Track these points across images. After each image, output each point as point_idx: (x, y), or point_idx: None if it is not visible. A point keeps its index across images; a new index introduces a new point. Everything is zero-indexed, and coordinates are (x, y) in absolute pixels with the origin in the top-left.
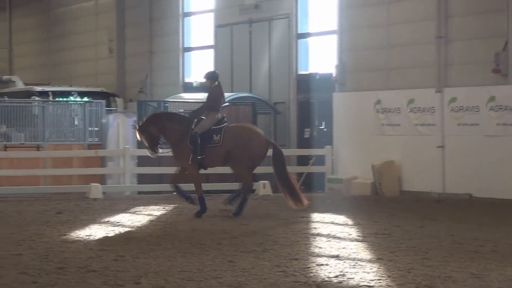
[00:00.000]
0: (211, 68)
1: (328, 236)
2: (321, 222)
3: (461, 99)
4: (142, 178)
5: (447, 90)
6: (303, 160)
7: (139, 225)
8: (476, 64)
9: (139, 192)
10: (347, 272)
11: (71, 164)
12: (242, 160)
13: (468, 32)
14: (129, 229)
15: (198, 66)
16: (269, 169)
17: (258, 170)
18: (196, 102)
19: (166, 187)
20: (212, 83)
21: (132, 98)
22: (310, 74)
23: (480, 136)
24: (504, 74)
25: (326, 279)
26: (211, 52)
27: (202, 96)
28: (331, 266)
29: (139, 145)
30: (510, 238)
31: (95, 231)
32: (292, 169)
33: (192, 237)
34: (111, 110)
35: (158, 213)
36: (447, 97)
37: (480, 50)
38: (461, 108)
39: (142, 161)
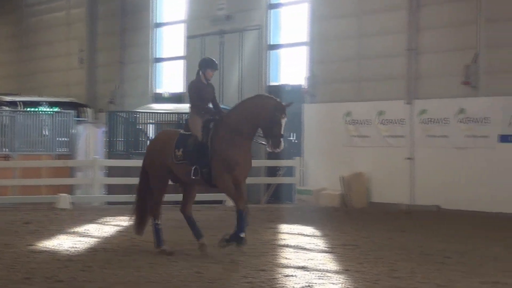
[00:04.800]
0: (180, 79)
1: (295, 247)
2: (289, 233)
3: (431, 111)
4: (111, 189)
5: (417, 102)
6: (272, 171)
7: (107, 236)
8: (446, 76)
9: (108, 203)
10: (314, 283)
11: (40, 174)
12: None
13: (438, 44)
14: (97, 239)
15: (169, 77)
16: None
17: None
18: (167, 112)
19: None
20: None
21: (102, 108)
22: (280, 85)
23: (449, 148)
24: (473, 87)
25: None
26: (182, 63)
27: (173, 106)
28: (298, 277)
29: (110, 155)
30: (477, 249)
31: (63, 242)
32: (262, 180)
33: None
34: (80, 120)
35: (126, 223)
36: (417, 109)
37: (450, 63)
38: (431, 120)
39: (111, 172)
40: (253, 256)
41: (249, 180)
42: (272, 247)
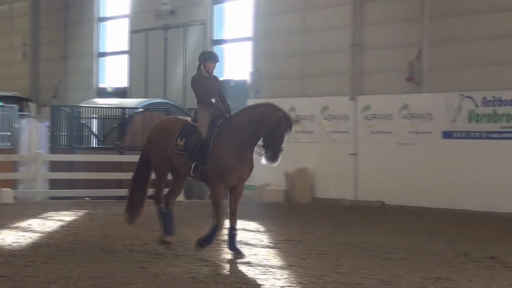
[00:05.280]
0: (124, 73)
1: (239, 242)
2: None
3: (375, 107)
4: (54, 184)
5: (361, 98)
6: None
7: (50, 231)
8: (390, 72)
9: (51, 198)
10: (257, 278)
11: None
12: None
13: (383, 40)
14: (40, 234)
15: (113, 71)
16: None
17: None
18: (110, 107)
19: (78, 192)
20: None
21: (45, 102)
22: (225, 80)
23: (392, 144)
24: (417, 83)
25: (237, 285)
26: (125, 58)
27: (116, 101)
28: (242, 273)
29: (53, 149)
30: (420, 245)
31: (5, 236)
32: None
33: (103, 243)
34: (23, 114)
35: (69, 218)
36: (361, 105)
37: (394, 59)
38: (375, 116)
39: (54, 166)
40: (197, 252)
41: None
42: (215, 242)
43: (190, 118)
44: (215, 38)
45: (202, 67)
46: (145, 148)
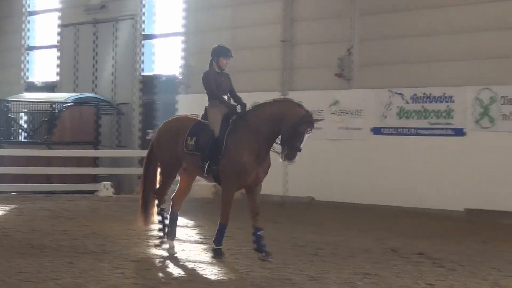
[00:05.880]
0: (54, 68)
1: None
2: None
3: (305, 103)
4: None
5: (291, 94)
6: None
7: None
8: (320, 68)
9: None
10: (187, 274)
11: None
12: None
13: (313, 36)
14: None
15: (42, 65)
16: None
17: (101, 171)
18: (39, 101)
19: (6, 187)
20: None
21: None
22: (154, 75)
23: (322, 139)
24: (347, 79)
25: (165, 281)
26: (55, 52)
27: (45, 95)
28: (171, 268)
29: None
30: (349, 241)
31: None
32: (135, 171)
33: (31, 238)
34: None
35: None
36: None
37: (325, 55)
38: None
39: None
40: (126, 247)
41: (123, 171)
42: (145, 238)
43: (200, 116)
44: (145, 33)
45: (214, 62)
46: (153, 147)
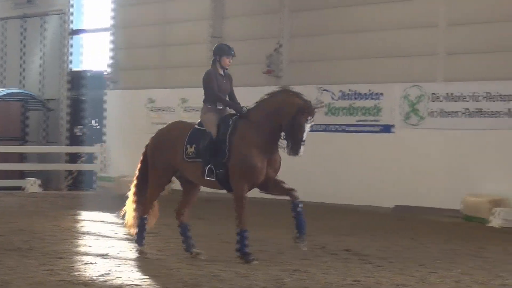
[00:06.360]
0: None
1: (96, 234)
2: (90, 221)
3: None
4: None
5: None
6: (73, 158)
7: None
8: (249, 65)
9: None
10: (114, 271)
11: None
12: None
13: (242, 33)
14: None
15: None
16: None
17: (28, 167)
18: None
19: None
20: None
21: None
22: (82, 71)
23: None
24: (276, 75)
25: (93, 278)
26: None
27: None
28: (98, 265)
29: None
30: (277, 237)
31: None
32: (62, 167)
33: None
34: None
35: None
36: None
37: (254, 51)
38: None
39: None
40: (53, 243)
41: (50, 167)
42: (72, 234)
43: (196, 123)
44: (73, 28)
45: (217, 62)
46: (145, 156)
